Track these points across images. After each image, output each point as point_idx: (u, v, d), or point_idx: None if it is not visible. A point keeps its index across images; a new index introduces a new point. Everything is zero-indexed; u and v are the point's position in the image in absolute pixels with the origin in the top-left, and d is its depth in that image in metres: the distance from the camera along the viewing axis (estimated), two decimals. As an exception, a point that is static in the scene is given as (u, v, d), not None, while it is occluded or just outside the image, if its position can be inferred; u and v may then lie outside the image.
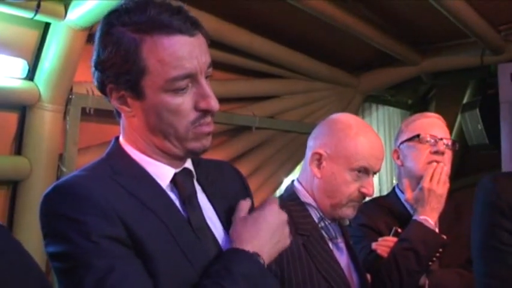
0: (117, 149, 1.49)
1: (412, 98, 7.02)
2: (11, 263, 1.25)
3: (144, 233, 1.33)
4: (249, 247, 1.41)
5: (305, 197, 2.20)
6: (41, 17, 2.94)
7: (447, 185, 2.51)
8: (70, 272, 1.30)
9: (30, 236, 3.14)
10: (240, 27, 4.02)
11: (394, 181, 6.50)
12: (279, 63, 4.59)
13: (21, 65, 3.07)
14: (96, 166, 1.46)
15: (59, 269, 1.34)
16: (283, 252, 1.59)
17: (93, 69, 1.44)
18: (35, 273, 1.33)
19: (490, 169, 5.27)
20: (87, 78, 3.40)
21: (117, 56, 1.38)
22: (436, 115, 2.67)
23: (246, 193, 1.71)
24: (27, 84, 3.11)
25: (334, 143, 2.15)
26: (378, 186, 6.41)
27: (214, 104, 1.41)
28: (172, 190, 1.47)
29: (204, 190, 1.56)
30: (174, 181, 1.47)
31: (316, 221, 2.14)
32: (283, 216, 1.52)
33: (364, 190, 2.14)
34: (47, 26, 3.09)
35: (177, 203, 1.45)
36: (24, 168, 3.13)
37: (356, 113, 5.77)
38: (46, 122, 3.16)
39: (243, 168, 4.62)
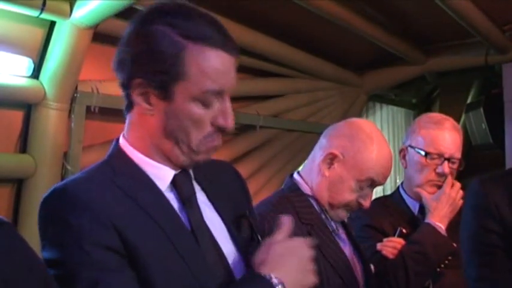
0: (117, 151, 1.49)
1: (416, 98, 7.02)
2: (14, 262, 1.25)
3: (140, 239, 1.33)
4: (274, 273, 1.38)
5: (305, 189, 2.22)
6: (46, 16, 2.95)
7: (462, 201, 2.52)
8: (60, 279, 1.29)
9: (35, 233, 3.14)
10: (245, 26, 4.02)
11: (398, 180, 6.50)
12: (284, 62, 4.60)
13: (26, 63, 3.08)
14: (98, 168, 1.47)
15: (53, 274, 1.32)
16: None
17: (120, 58, 1.45)
18: (38, 272, 1.33)
19: (494, 169, 5.26)
20: (92, 76, 3.41)
21: (156, 53, 1.38)
22: (452, 124, 2.59)
23: (245, 194, 1.72)
24: (32, 82, 3.12)
25: (353, 150, 2.15)
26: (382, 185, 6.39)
27: (231, 123, 1.43)
28: (171, 191, 1.47)
29: (203, 189, 1.56)
30: (173, 182, 1.47)
31: (318, 211, 2.17)
32: (312, 252, 1.50)
33: (361, 201, 2.17)
34: (52, 24, 3.10)
35: (175, 204, 1.46)
36: (29, 166, 3.14)
37: (360, 112, 5.78)
38: (51, 120, 3.16)
39: (247, 166, 4.63)
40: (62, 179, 3.28)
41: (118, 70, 1.45)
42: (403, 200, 2.67)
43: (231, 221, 1.55)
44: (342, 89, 5.36)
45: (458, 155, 2.55)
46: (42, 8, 2.85)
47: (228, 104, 1.43)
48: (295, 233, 1.97)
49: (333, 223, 2.20)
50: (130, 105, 1.48)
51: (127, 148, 1.48)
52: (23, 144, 3.19)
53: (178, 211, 1.44)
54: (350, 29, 4.27)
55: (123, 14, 3.18)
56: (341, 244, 2.20)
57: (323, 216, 2.18)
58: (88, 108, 3.39)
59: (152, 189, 1.43)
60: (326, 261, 2.07)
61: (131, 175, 1.43)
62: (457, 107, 5.99)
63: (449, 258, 2.40)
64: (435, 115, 2.67)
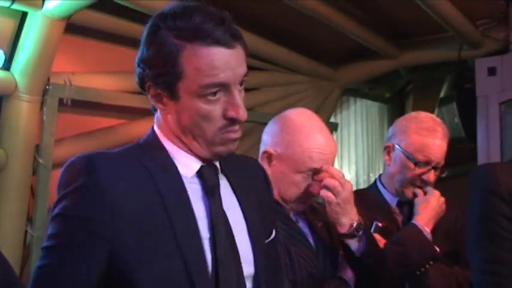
0: (152, 137, 1.59)
1: (390, 92, 7.06)
2: None
3: (142, 224, 1.41)
4: None
5: None
6: (18, 6, 2.91)
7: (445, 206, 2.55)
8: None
9: (6, 226, 3.12)
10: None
11: (371, 175, 6.54)
12: (259, 56, 4.59)
13: (-3, 55, 3.04)
14: (130, 146, 1.58)
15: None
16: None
17: (136, 65, 1.53)
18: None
19: (466, 163, 5.32)
20: (64, 68, 3.38)
21: (158, 57, 1.47)
22: (443, 132, 2.59)
23: (268, 190, 1.80)
24: (3, 74, 3.07)
25: (284, 145, 2.15)
26: (355, 178, 6.44)
27: (242, 114, 1.51)
28: (197, 180, 1.55)
29: (229, 181, 1.64)
30: (199, 172, 1.55)
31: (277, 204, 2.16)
32: None
33: (311, 190, 2.16)
34: (24, 15, 3.06)
35: (199, 192, 1.54)
36: (0, 159, 3.09)
37: (334, 106, 5.79)
38: (23, 113, 3.12)
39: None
40: (34, 172, 3.25)
41: (135, 75, 1.55)
42: (381, 193, 2.66)
43: (251, 214, 1.62)
44: (316, 83, 5.37)
45: (443, 161, 2.56)
46: (14, -2, 2.81)
47: (235, 96, 1.50)
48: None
49: (292, 216, 2.20)
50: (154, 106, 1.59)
51: (161, 136, 1.58)
52: (-6, 136, 3.14)
53: (201, 199, 1.53)
54: (325, 23, 4.28)
55: (96, 5, 3.14)
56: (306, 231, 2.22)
57: (284, 208, 2.17)
58: (60, 100, 3.35)
59: (174, 175, 1.52)
60: (296, 249, 2.08)
61: (158, 158, 1.53)
62: (430, 101, 6.04)
63: (431, 262, 2.40)
64: (427, 119, 2.62)
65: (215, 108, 1.48)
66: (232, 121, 1.51)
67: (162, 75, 1.48)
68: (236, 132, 1.55)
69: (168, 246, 1.43)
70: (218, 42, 1.46)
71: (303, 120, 2.20)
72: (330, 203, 2.11)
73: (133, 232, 1.40)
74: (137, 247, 1.40)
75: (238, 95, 1.52)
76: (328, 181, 2.11)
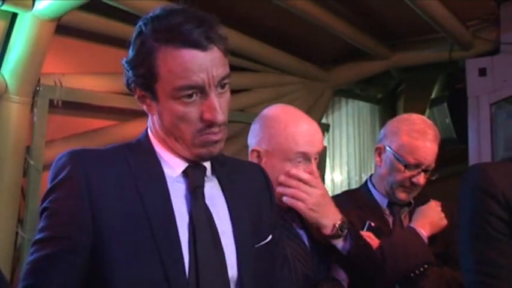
0: (144, 137, 1.62)
1: (382, 93, 7.07)
2: None
3: (118, 220, 1.43)
4: None
5: None
6: (8, 7, 2.89)
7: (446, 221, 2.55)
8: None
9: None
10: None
11: (363, 175, 6.54)
12: (250, 57, 4.58)
13: (-13, 56, 3.02)
14: (120, 145, 1.60)
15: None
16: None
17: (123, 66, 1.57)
18: None
19: (457, 164, 5.33)
20: (55, 69, 3.36)
21: (138, 59, 1.49)
22: (434, 134, 2.59)
23: (268, 195, 1.79)
24: (-7, 75, 3.06)
25: (267, 139, 2.17)
26: (347, 180, 6.45)
27: (219, 117, 1.49)
28: (182, 180, 1.57)
29: (221, 185, 1.64)
30: (185, 172, 1.57)
31: None
32: None
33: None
34: (14, 16, 3.04)
35: (183, 192, 1.55)
36: (-10, 161, 3.08)
37: (326, 107, 5.79)
38: (13, 114, 3.11)
39: (213, 161, 4.60)
40: (24, 173, 3.23)
41: (124, 77, 1.57)
42: (372, 194, 2.67)
43: (240, 216, 1.62)
44: (308, 84, 5.37)
45: (433, 164, 2.56)
46: (4, -1, 2.79)
47: (212, 99, 1.48)
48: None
49: (286, 217, 2.20)
50: None
51: (152, 137, 1.61)
52: (-16, 138, 3.13)
53: (183, 198, 1.54)
54: (316, 24, 4.28)
55: (87, 6, 3.13)
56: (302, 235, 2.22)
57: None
58: (51, 101, 3.33)
59: (157, 175, 1.54)
60: (291, 249, 2.08)
61: (143, 157, 1.56)
62: (422, 102, 6.05)
63: (425, 267, 2.40)
64: (418, 121, 2.62)
65: (191, 111, 1.48)
66: (210, 124, 1.49)
67: (141, 77, 1.50)
68: (216, 135, 1.52)
69: (144, 244, 1.43)
70: (191, 45, 1.45)
71: (279, 111, 2.24)
72: (301, 210, 2.12)
73: (111, 229, 1.42)
74: (114, 245, 1.41)
75: (215, 98, 1.49)
76: (284, 191, 2.12)
